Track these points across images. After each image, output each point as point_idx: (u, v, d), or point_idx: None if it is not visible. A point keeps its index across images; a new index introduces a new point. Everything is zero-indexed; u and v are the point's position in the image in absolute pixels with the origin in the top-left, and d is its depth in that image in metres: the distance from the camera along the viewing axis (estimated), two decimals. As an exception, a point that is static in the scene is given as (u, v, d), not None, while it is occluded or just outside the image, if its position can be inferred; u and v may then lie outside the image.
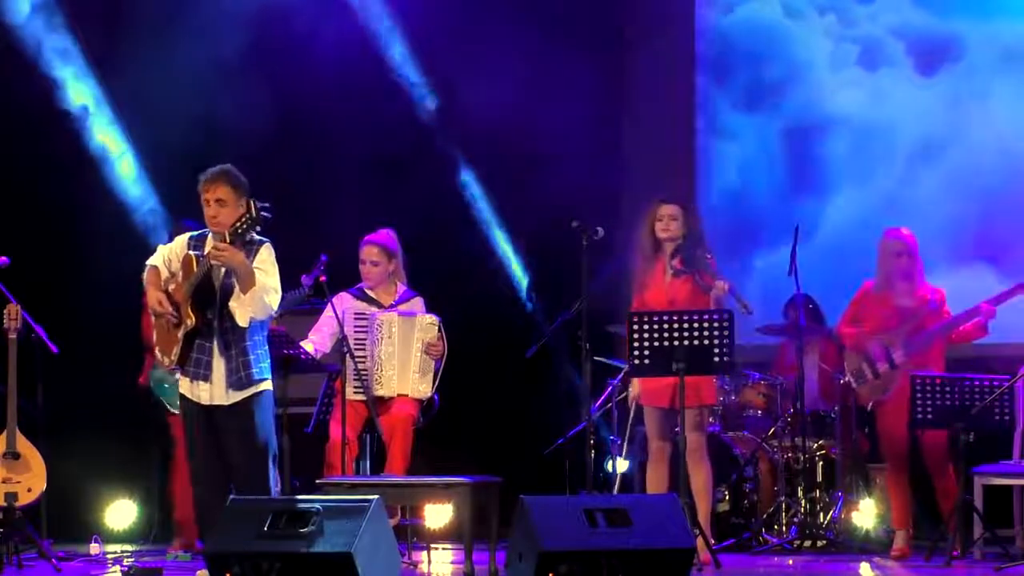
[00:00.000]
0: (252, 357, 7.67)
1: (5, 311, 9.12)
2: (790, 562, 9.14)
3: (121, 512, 10.63)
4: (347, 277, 9.45)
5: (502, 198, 11.07)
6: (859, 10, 11.43)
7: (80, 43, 10.87)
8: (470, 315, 10.05)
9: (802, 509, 9.83)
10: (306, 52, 10.90)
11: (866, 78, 11.39)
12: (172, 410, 9.54)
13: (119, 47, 10.84)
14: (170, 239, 9.56)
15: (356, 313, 9.34)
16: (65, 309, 10.05)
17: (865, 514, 9.94)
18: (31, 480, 9.08)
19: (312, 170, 11.05)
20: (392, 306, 9.40)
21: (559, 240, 9.43)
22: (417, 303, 9.46)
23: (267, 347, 7.81)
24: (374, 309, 9.37)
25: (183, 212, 9.88)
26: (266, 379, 7.73)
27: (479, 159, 11.09)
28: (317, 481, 8.21)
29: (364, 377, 9.09)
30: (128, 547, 10.04)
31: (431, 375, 9.32)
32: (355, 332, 9.26)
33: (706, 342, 8.47)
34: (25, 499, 9.05)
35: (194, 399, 7.71)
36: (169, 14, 10.88)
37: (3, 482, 9.03)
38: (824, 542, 9.69)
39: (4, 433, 9.07)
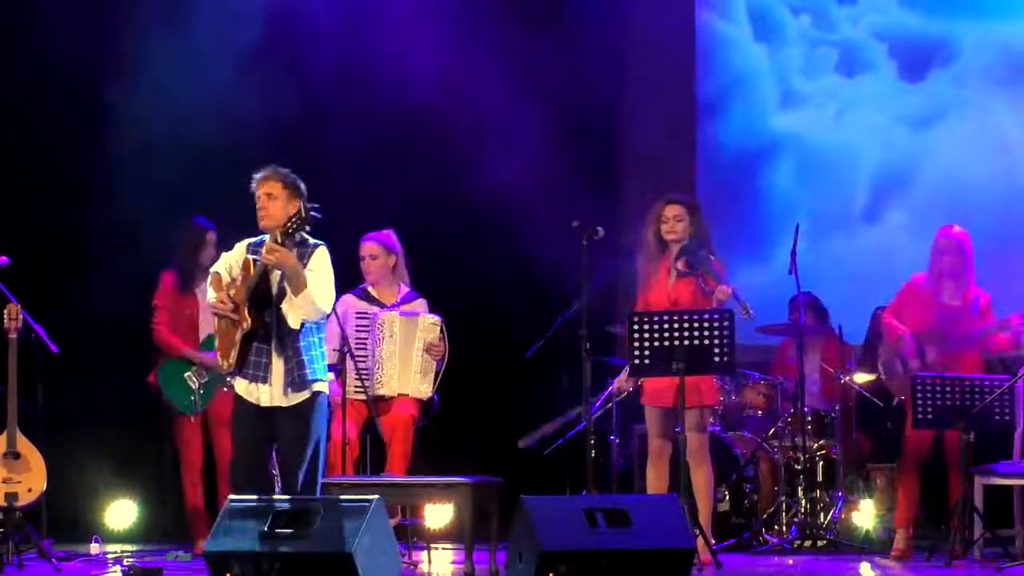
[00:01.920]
0: (306, 358, 7.72)
1: (5, 311, 9.11)
2: (790, 562, 9.14)
3: (121, 512, 10.62)
4: (348, 280, 9.44)
5: (502, 197, 11.05)
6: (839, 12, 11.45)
7: (80, 41, 10.84)
8: (470, 315, 10.03)
9: (802, 509, 9.82)
10: (306, 51, 10.88)
11: (846, 84, 11.39)
12: (179, 411, 9.53)
13: (120, 44, 10.82)
14: (182, 238, 9.62)
15: (358, 312, 9.34)
16: (65, 309, 10.04)
17: (865, 514, 9.95)
18: (31, 480, 9.08)
19: (313, 170, 11.02)
20: (394, 306, 9.40)
21: (559, 240, 9.42)
22: (420, 304, 9.46)
23: (324, 348, 7.87)
24: (376, 308, 9.37)
25: (184, 211, 9.88)
26: (321, 380, 7.80)
27: (479, 158, 11.07)
28: (317, 481, 8.22)
29: (365, 376, 9.10)
30: (128, 547, 10.04)
31: (432, 375, 9.31)
32: (356, 331, 9.26)
33: (706, 342, 8.46)
34: (25, 499, 9.05)
35: (252, 401, 7.75)
36: (169, 13, 10.86)
37: (3, 482, 9.03)
38: (824, 542, 9.69)
39: (4, 433, 9.07)
